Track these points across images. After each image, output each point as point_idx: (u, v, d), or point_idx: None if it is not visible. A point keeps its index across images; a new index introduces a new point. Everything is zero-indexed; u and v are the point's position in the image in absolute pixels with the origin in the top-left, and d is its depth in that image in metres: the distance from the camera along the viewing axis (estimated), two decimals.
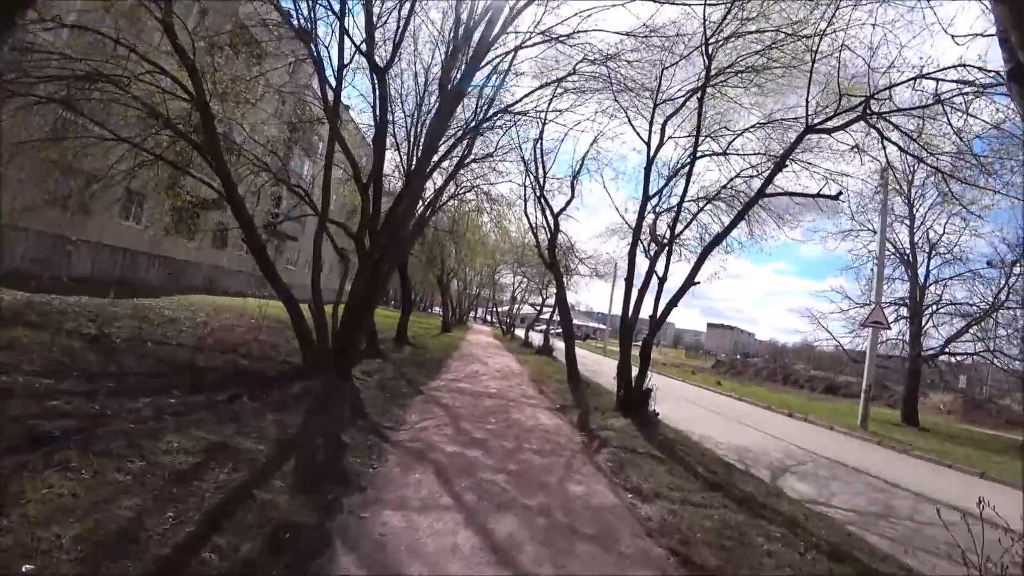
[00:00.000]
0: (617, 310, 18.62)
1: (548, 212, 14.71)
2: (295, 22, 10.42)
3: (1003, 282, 18.46)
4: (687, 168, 10.04)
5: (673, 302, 9.54)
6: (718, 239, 9.44)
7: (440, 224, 24.38)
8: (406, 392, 9.87)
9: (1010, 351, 18.73)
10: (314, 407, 7.43)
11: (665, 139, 10.66)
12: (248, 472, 4.62)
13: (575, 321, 18.17)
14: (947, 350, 20.20)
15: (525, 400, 11.12)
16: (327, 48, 10.64)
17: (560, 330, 25.29)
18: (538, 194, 14.69)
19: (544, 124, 14.16)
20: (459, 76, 8.43)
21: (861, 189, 16.67)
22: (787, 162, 8.40)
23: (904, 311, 20.78)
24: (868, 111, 7.56)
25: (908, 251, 20.52)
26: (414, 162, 15.61)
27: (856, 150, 8.73)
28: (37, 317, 9.66)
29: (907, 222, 20.56)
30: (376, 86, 9.13)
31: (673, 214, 11.16)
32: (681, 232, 10.89)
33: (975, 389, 35.07)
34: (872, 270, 19.43)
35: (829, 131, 8.21)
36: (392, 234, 9.62)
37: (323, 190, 10.86)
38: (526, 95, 11.46)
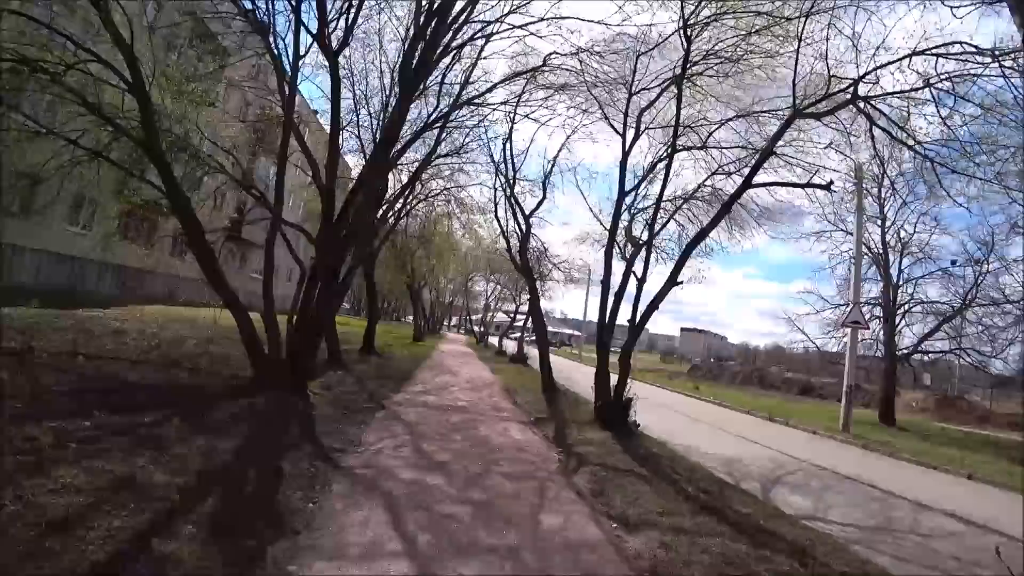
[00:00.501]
0: (592, 316, 18.04)
1: (519, 213, 14.04)
2: (254, 14, 9.74)
3: (973, 280, 18.46)
4: (666, 162, 9.45)
5: (654, 304, 8.91)
6: (703, 234, 8.84)
7: (409, 229, 23.69)
8: (366, 408, 9.00)
9: (981, 348, 18.73)
10: (255, 428, 6.57)
11: (641, 131, 10.08)
12: (152, 515, 3.77)
13: (550, 328, 17.50)
14: (920, 348, 20.17)
15: (496, 413, 10.32)
16: (284, 41, 9.90)
17: (534, 337, 24.68)
18: (508, 194, 14.01)
19: (513, 122, 13.57)
20: (418, 58, 7.72)
21: (839, 187, 16.33)
22: (774, 150, 7.86)
23: (878, 311, 20.63)
24: (856, 95, 7.08)
25: (880, 251, 20.38)
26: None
27: (839, 139, 8.28)
28: None
29: (879, 222, 20.42)
30: (330, 71, 8.40)
31: (650, 213, 10.65)
32: (660, 230, 10.30)
33: (943, 385, 35.53)
34: (849, 269, 19.17)
35: (818, 116, 7.72)
36: (349, 231, 8.81)
37: (276, 185, 10.06)
38: (496, 84, 10.77)
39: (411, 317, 44.96)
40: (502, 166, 14.30)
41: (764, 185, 8.63)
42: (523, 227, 13.97)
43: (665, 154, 9.89)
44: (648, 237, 9.60)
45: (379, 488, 4.97)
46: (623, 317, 10.32)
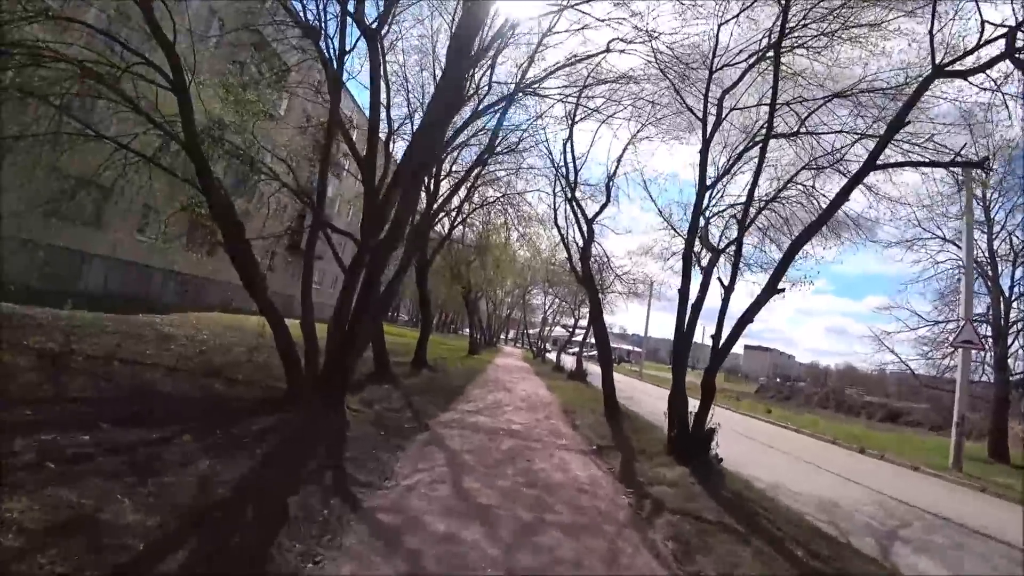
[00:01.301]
0: (655, 332, 16.41)
1: (581, 216, 12.85)
2: (305, 20, 9.31)
3: None
4: (759, 148, 8.00)
5: (747, 318, 7.39)
6: (815, 227, 7.16)
7: (466, 239, 23.04)
8: (407, 428, 8.01)
9: None
10: (274, 450, 5.70)
11: (724, 116, 8.74)
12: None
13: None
14: None
15: (554, 439, 9.06)
16: (332, 40, 9.30)
17: (594, 353, 23.29)
18: (569, 197, 12.86)
19: (574, 121, 12.53)
20: (458, 25, 6.82)
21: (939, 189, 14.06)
22: (907, 120, 6.32)
23: (983, 329, 17.97)
24: (1013, 47, 5.55)
25: (988, 259, 17.79)
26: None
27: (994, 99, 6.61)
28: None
29: (983, 228, 17.83)
30: (369, 52, 7.65)
31: (726, 218, 9.33)
32: (750, 223, 8.74)
33: None
34: (959, 280, 16.82)
35: (964, 74, 6.16)
36: (392, 226, 7.96)
37: (318, 182, 9.42)
38: (555, 70, 9.67)
39: (468, 330, 44.48)
40: (562, 168, 13.31)
41: (891, 166, 7.05)
42: (585, 233, 12.81)
43: (752, 142, 8.57)
44: (738, 234, 8.14)
45: (401, 544, 3.87)
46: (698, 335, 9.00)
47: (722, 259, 9.48)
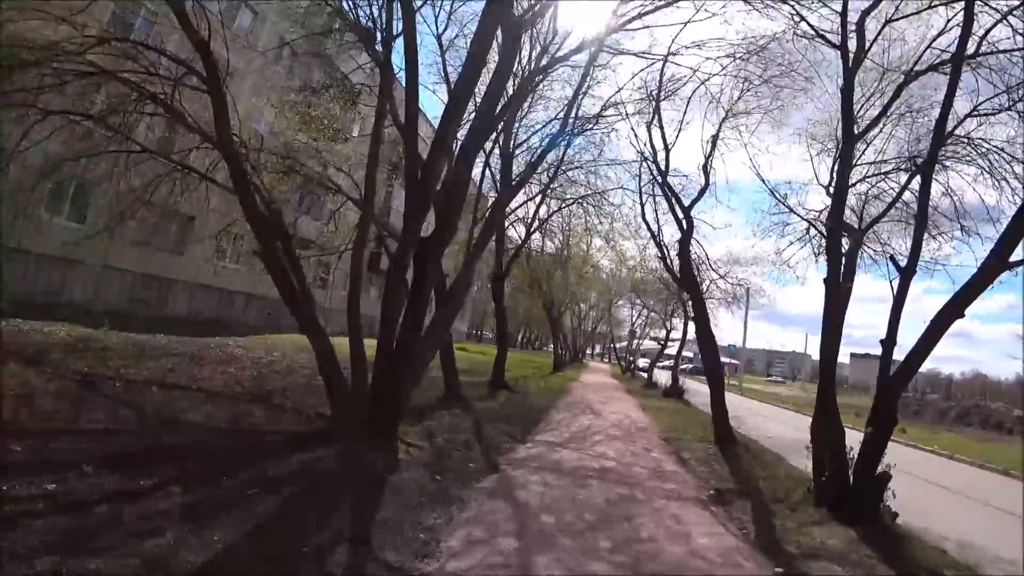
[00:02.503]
0: (754, 344, 13.77)
1: (676, 204, 10.74)
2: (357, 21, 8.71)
3: None
4: (950, 68, 5.59)
5: (956, 309, 5.03)
6: None
7: (545, 249, 21.63)
8: (471, 470, 6.32)
9: None
10: (284, 507, 4.25)
11: (870, 44, 6.52)
12: None
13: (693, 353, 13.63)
14: None
15: (658, 483, 6.95)
16: (381, 32, 8.37)
17: (687, 366, 20.87)
18: (661, 182, 10.81)
19: (659, 99, 10.68)
20: None
21: None
22: None
23: None
24: None
25: None
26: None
27: None
28: (58, 354, 7.92)
29: None
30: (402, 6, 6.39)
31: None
32: (938, 152, 6.12)
33: None
34: None
35: None
36: (440, 214, 6.53)
37: (366, 176, 8.22)
38: (639, 14, 7.77)
39: (551, 346, 43.03)
40: (649, 153, 11.33)
41: None
42: (684, 224, 10.68)
43: (911, 74, 6.35)
44: (922, 182, 5.66)
45: None
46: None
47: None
